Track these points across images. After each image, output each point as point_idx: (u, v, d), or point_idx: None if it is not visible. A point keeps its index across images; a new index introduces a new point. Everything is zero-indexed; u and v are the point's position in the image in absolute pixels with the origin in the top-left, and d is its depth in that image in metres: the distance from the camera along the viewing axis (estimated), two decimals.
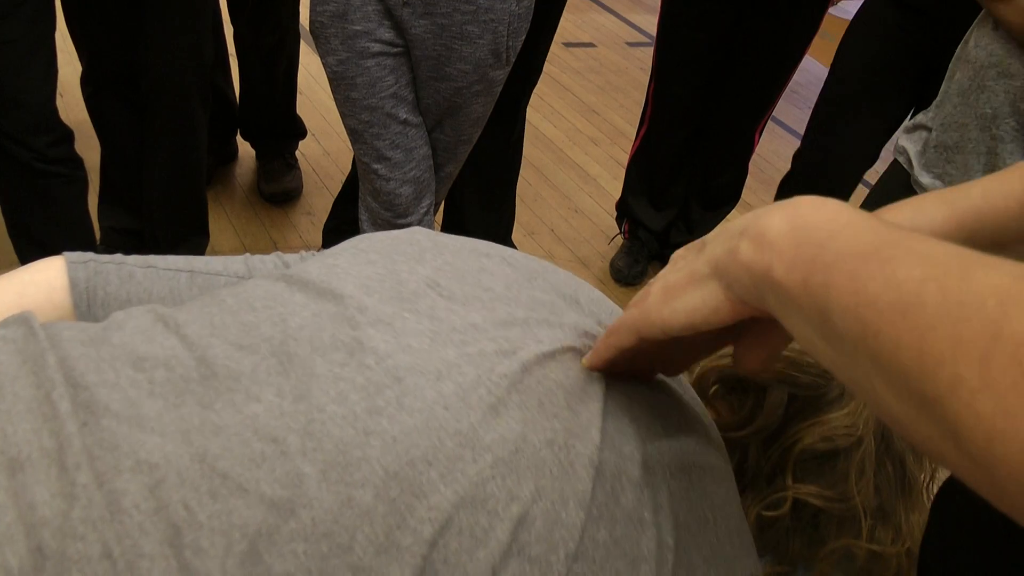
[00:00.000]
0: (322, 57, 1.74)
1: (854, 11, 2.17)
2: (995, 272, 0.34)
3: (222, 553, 0.45)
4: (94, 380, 0.52)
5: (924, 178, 1.53)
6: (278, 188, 2.79)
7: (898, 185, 1.60)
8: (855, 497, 0.71)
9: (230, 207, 2.76)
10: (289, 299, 0.58)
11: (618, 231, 2.84)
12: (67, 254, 0.72)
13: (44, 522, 0.45)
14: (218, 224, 2.63)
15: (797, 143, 2.38)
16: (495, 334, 0.56)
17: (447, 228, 2.50)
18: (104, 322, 0.59)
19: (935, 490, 0.73)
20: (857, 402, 0.72)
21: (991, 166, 1.45)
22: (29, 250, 2.01)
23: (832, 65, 2.18)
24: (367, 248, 0.63)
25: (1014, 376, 0.31)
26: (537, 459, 0.50)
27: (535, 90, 2.40)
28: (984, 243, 0.68)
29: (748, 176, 2.75)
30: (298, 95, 2.86)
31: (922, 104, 2.05)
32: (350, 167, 2.38)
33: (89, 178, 2.05)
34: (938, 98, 1.56)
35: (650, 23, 2.60)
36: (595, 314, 0.64)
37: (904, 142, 1.62)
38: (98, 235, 2.28)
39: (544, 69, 2.39)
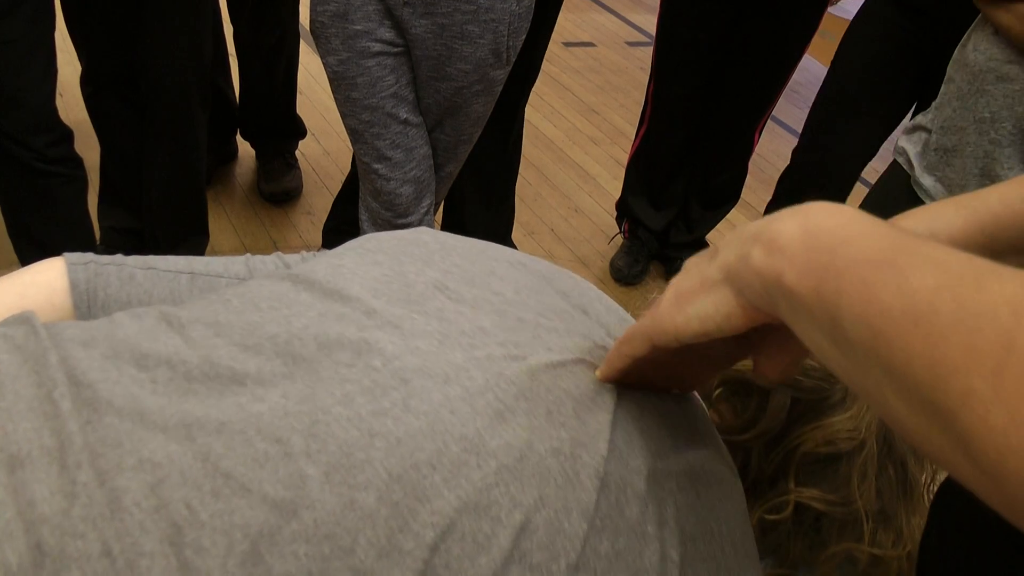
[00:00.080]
0: (322, 57, 1.73)
1: (854, 10, 2.17)
2: (1010, 282, 0.34)
3: (223, 552, 0.45)
4: (97, 378, 0.52)
5: (926, 180, 1.53)
6: (278, 188, 2.79)
7: (898, 185, 1.60)
8: (857, 501, 0.71)
9: (230, 207, 2.75)
10: (295, 299, 0.58)
11: (618, 230, 2.84)
12: (67, 255, 0.72)
13: (43, 519, 0.45)
14: (218, 224, 2.63)
15: (797, 142, 2.38)
16: (504, 339, 0.56)
17: (447, 228, 2.50)
18: (107, 321, 0.59)
19: (935, 491, 0.73)
20: (860, 406, 0.72)
21: (988, 170, 1.45)
22: (29, 250, 2.01)
23: (832, 64, 2.18)
24: (374, 249, 0.63)
25: None
26: (542, 467, 0.50)
27: (535, 89, 2.40)
28: (1002, 248, 0.68)
29: (748, 175, 2.75)
30: (298, 95, 2.86)
31: (922, 104, 2.05)
32: (350, 167, 2.37)
33: (89, 178, 2.04)
34: (937, 100, 1.56)
35: (650, 23, 2.60)
36: (605, 324, 0.64)
37: (904, 143, 1.62)
38: (98, 235, 2.28)
39: (544, 69, 2.39)
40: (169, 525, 0.46)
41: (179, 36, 2.07)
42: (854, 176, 2.26)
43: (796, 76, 2.58)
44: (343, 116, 1.79)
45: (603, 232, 2.95)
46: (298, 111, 2.89)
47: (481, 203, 2.48)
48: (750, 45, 2.38)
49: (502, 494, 0.48)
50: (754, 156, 2.75)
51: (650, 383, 0.57)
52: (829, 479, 0.72)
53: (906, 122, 1.87)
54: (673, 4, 2.42)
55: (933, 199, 1.52)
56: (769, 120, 2.66)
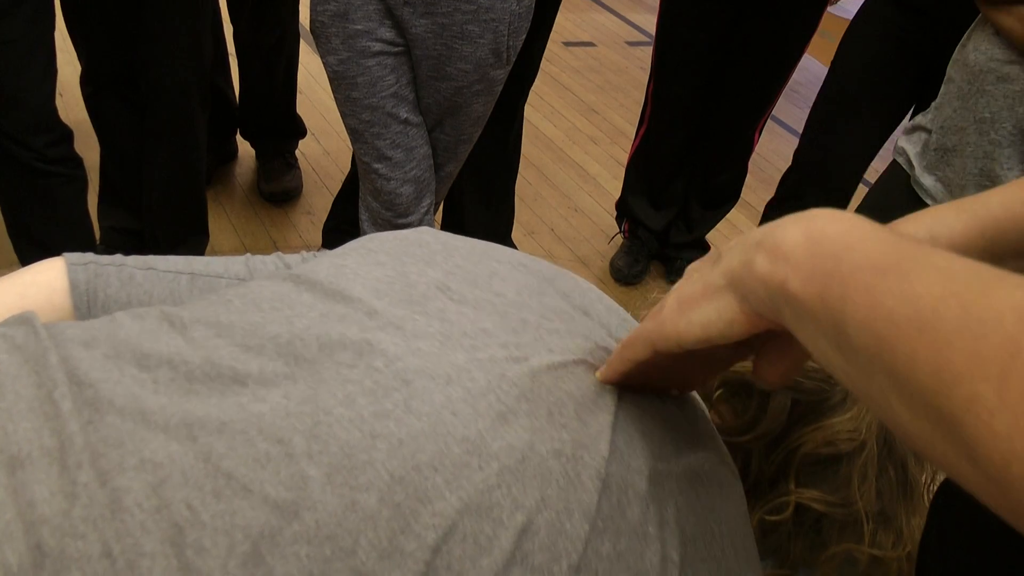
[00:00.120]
0: (323, 57, 1.73)
1: (854, 10, 2.16)
2: (1015, 289, 0.34)
3: (224, 553, 0.45)
4: (98, 378, 0.52)
5: (926, 180, 1.53)
6: (278, 187, 2.79)
7: (897, 185, 1.60)
8: (857, 502, 0.71)
9: (230, 206, 2.75)
10: (296, 300, 0.58)
11: (618, 230, 2.84)
12: (67, 255, 0.72)
13: (44, 520, 0.45)
14: (218, 223, 2.63)
15: (797, 142, 2.38)
16: (506, 340, 0.56)
17: (446, 227, 2.50)
18: (108, 321, 0.59)
19: (935, 492, 0.73)
20: (860, 407, 0.72)
21: (987, 170, 1.45)
22: (29, 250, 2.01)
23: (831, 64, 2.18)
24: (376, 249, 0.63)
25: None
26: (544, 469, 0.50)
27: (535, 89, 2.40)
28: (1004, 252, 0.68)
29: (748, 175, 2.75)
30: (298, 94, 2.86)
31: (922, 104, 2.05)
32: (350, 166, 2.37)
33: (89, 178, 2.04)
34: (937, 100, 1.56)
35: (650, 22, 2.60)
36: (606, 325, 0.64)
37: (904, 143, 1.62)
38: (98, 235, 2.28)
39: (544, 68, 2.39)
40: (170, 526, 0.46)
41: (179, 36, 2.07)
42: (856, 177, 2.26)
43: (796, 76, 2.58)
44: (343, 116, 1.79)
45: (603, 232, 2.95)
46: (298, 111, 2.89)
47: (481, 203, 2.48)
48: (750, 45, 2.38)
49: (504, 495, 0.48)
50: (754, 156, 2.75)
51: (650, 384, 0.57)
52: (829, 480, 0.72)
53: (906, 122, 1.87)
54: (673, 4, 2.42)
55: (933, 198, 1.52)
56: (769, 120, 2.66)
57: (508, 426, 0.50)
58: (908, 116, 2.14)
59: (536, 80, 2.37)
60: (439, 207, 2.10)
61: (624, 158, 2.90)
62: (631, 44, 4.61)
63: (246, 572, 0.45)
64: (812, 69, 4.12)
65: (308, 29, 1.79)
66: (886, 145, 2.19)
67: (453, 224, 2.49)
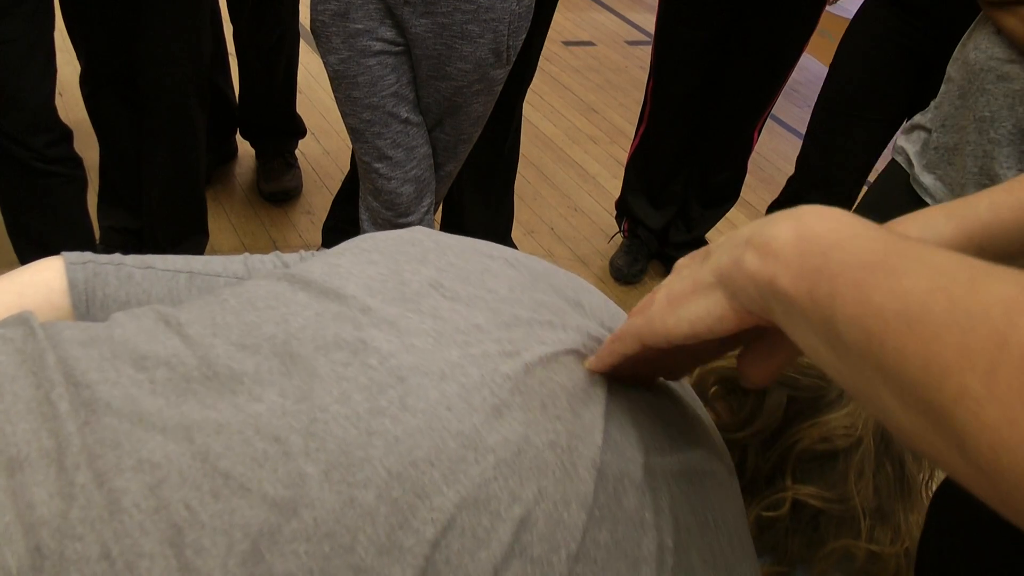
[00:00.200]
0: (323, 56, 1.73)
1: (854, 9, 2.16)
2: (1002, 282, 0.34)
3: (224, 553, 0.45)
4: (95, 379, 0.52)
5: (926, 179, 1.53)
6: (277, 187, 2.79)
7: (896, 185, 1.60)
8: (854, 498, 0.71)
9: (229, 206, 2.76)
10: (292, 299, 0.58)
11: (617, 230, 2.84)
12: (66, 254, 0.72)
13: (42, 522, 0.45)
14: (217, 223, 2.63)
15: (797, 141, 2.38)
16: (498, 335, 0.56)
17: (446, 227, 2.50)
18: (105, 322, 0.59)
19: (934, 490, 0.73)
20: (856, 403, 0.72)
21: (987, 169, 1.45)
22: (28, 250, 2.01)
23: (831, 65, 2.18)
24: (370, 248, 0.63)
25: (1020, 386, 0.31)
26: (539, 460, 0.50)
27: (535, 89, 2.40)
28: (993, 256, 0.68)
29: (747, 174, 2.75)
30: (298, 94, 2.86)
31: (922, 104, 2.05)
32: (349, 166, 2.38)
33: (88, 177, 2.05)
34: (936, 99, 1.56)
35: (650, 22, 2.60)
36: (598, 317, 0.64)
37: (902, 142, 1.62)
38: (97, 235, 2.28)
39: (544, 68, 2.40)
40: (169, 526, 0.46)
41: (177, 36, 2.07)
42: (861, 179, 2.26)
43: (795, 75, 2.58)
44: (344, 115, 1.79)
45: (603, 231, 2.95)
46: (298, 110, 2.89)
47: (480, 202, 2.48)
48: (749, 44, 2.38)
49: (501, 488, 0.48)
50: (754, 155, 2.75)
51: (638, 374, 0.58)
52: (826, 476, 0.72)
53: (905, 122, 1.87)
54: (672, 3, 2.42)
55: (933, 197, 1.52)
56: (768, 119, 2.66)
57: (503, 419, 0.51)
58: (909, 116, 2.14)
59: (536, 79, 2.37)
60: (439, 207, 2.10)
61: (624, 157, 2.90)
62: (631, 43, 4.61)
63: (246, 571, 0.45)
64: (812, 68, 4.12)
65: (308, 29, 1.79)
66: (890, 146, 2.19)
67: (453, 224, 2.49)
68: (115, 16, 2.04)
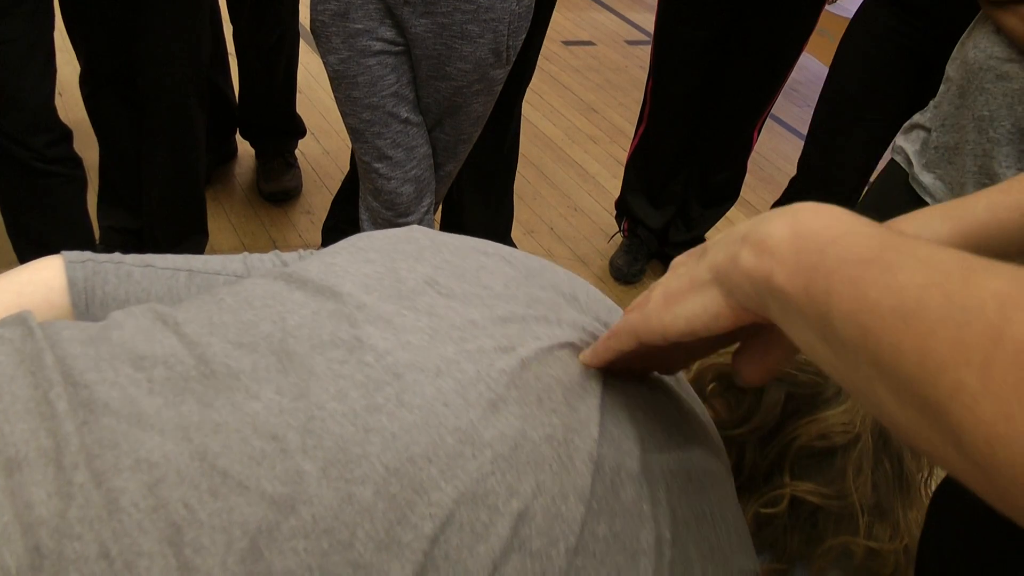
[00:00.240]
0: (323, 56, 1.73)
1: (854, 9, 2.16)
2: (996, 277, 0.34)
3: (223, 551, 0.45)
4: (93, 378, 0.52)
5: (925, 178, 1.53)
6: (277, 187, 2.79)
7: (896, 184, 1.60)
8: (852, 494, 0.71)
9: (229, 206, 2.76)
10: (288, 297, 0.58)
11: (617, 229, 2.84)
12: (65, 253, 0.72)
13: (41, 521, 0.45)
14: (217, 223, 2.63)
15: (797, 141, 2.38)
16: (494, 331, 0.56)
17: (446, 227, 2.50)
18: (103, 321, 0.59)
19: (933, 487, 0.73)
20: (854, 400, 0.72)
21: (986, 168, 1.45)
22: (28, 249, 2.01)
23: (831, 66, 2.18)
24: (366, 247, 0.63)
25: (1015, 380, 0.31)
26: (536, 455, 0.50)
27: (535, 88, 2.41)
28: (990, 256, 0.68)
29: (747, 174, 2.75)
30: (298, 94, 2.86)
31: (923, 103, 2.05)
32: (349, 166, 2.38)
33: (88, 177, 2.04)
34: (935, 99, 1.56)
35: (650, 21, 2.60)
36: (594, 312, 0.65)
37: (901, 142, 1.62)
38: (97, 234, 2.28)
39: (543, 67, 2.40)
40: (168, 525, 0.46)
41: (176, 36, 2.07)
42: (863, 180, 2.25)
43: (795, 74, 2.58)
44: (343, 115, 1.79)
45: (602, 231, 2.95)
46: (298, 110, 2.89)
47: (480, 202, 2.48)
48: (748, 43, 2.38)
49: (498, 483, 0.49)
50: (753, 155, 2.76)
51: (633, 369, 0.58)
52: (824, 473, 0.73)
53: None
54: (671, 2, 2.42)
55: (933, 196, 1.52)
56: (768, 119, 2.66)
57: (499, 414, 0.51)
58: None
59: (535, 79, 2.37)
60: (439, 207, 2.10)
61: (624, 157, 2.90)
62: (630, 43, 4.61)
63: (245, 568, 0.45)
64: (812, 68, 4.12)
65: (308, 29, 1.79)
66: (890, 146, 2.19)
67: (452, 223, 2.49)
68: (115, 16, 2.04)
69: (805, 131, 2.34)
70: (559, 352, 0.57)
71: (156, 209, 2.28)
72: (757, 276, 0.44)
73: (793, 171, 2.41)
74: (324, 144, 3.14)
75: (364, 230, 1.89)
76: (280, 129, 2.85)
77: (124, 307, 0.62)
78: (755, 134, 2.62)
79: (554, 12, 2.31)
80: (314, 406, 0.50)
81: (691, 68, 2.46)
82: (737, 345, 0.54)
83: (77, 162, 1.98)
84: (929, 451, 0.36)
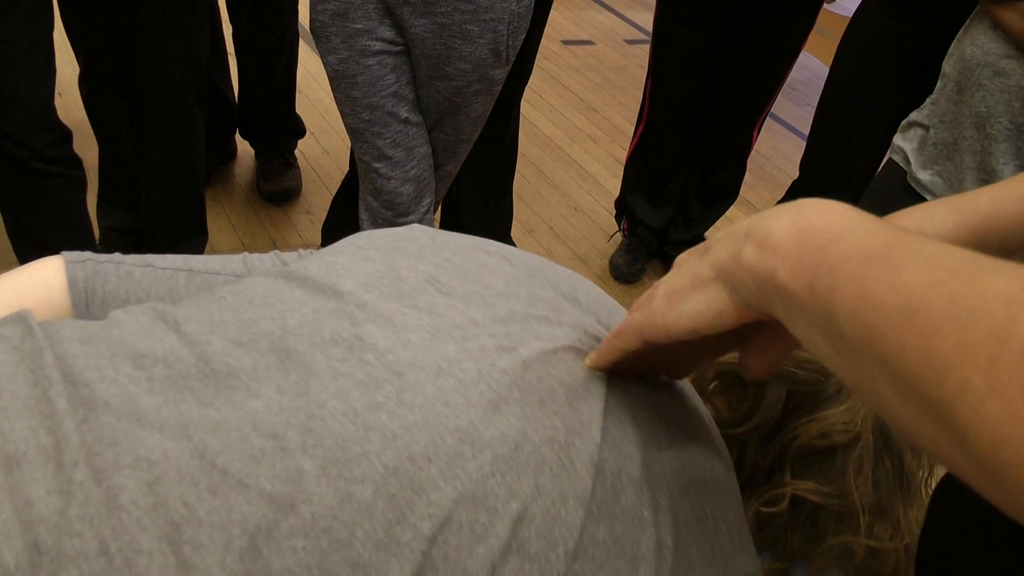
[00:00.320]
0: (323, 56, 1.73)
1: (853, 7, 2.16)
2: (1002, 276, 0.34)
3: (222, 549, 0.45)
4: (93, 377, 0.52)
5: (923, 175, 1.53)
6: (277, 187, 2.79)
7: (895, 183, 1.60)
8: (853, 493, 0.71)
9: (229, 206, 2.76)
10: (288, 296, 0.58)
11: (617, 229, 2.84)
12: (65, 253, 0.72)
13: (40, 519, 0.45)
14: (217, 223, 2.63)
15: (796, 140, 2.38)
16: (495, 330, 0.56)
17: (445, 227, 2.50)
18: (103, 320, 0.59)
19: (933, 486, 0.73)
20: (855, 399, 0.72)
21: (984, 165, 1.45)
22: (28, 250, 2.01)
23: (831, 67, 2.18)
24: (366, 245, 0.63)
25: (1021, 381, 0.31)
26: (537, 456, 0.50)
27: (534, 88, 2.41)
28: (994, 249, 0.68)
29: (747, 173, 2.75)
30: (297, 94, 2.86)
31: (920, 103, 2.05)
32: (349, 166, 2.38)
33: (88, 178, 2.04)
34: (932, 95, 1.56)
35: (649, 20, 2.60)
36: (595, 312, 0.64)
37: (899, 140, 1.61)
38: (97, 234, 2.28)
39: (543, 67, 2.40)
40: (167, 523, 0.46)
41: (175, 35, 2.07)
42: (865, 181, 2.25)
43: (795, 74, 2.58)
44: (343, 115, 1.79)
45: (602, 230, 2.95)
46: (297, 110, 2.89)
47: (480, 202, 2.48)
48: (748, 43, 2.38)
49: (498, 484, 0.48)
50: (753, 154, 2.75)
51: (638, 371, 0.58)
52: (825, 472, 0.72)
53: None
54: (670, 2, 2.42)
55: (932, 193, 1.52)
56: (768, 118, 2.66)
57: (500, 415, 0.51)
58: None
59: (535, 78, 2.37)
60: (438, 206, 2.10)
61: (623, 156, 2.90)
62: (630, 42, 4.61)
63: (244, 567, 0.45)
64: (811, 67, 4.12)
65: (308, 29, 1.79)
66: None
67: (452, 223, 2.49)
68: (114, 16, 2.04)
69: (805, 130, 2.34)
70: (563, 354, 0.56)
71: (156, 209, 2.28)
72: (760, 273, 0.43)
73: (793, 170, 2.41)
74: (324, 144, 3.14)
75: (364, 230, 1.89)
76: (280, 129, 2.85)
77: (124, 307, 0.62)
78: (755, 133, 2.62)
79: (554, 12, 2.31)
80: (314, 404, 0.50)
81: (690, 67, 2.45)
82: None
83: (77, 162, 1.98)
84: (933, 451, 0.35)
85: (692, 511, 0.55)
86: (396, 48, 1.70)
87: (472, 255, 0.63)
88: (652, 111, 2.59)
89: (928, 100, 1.57)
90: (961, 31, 1.51)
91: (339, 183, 2.48)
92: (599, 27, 4.76)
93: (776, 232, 0.43)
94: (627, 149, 2.77)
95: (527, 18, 1.74)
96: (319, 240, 2.50)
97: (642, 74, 2.72)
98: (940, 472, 0.74)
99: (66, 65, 2.13)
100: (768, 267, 0.43)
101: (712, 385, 0.75)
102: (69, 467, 0.47)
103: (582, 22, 4.77)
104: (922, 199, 1.52)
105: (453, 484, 0.48)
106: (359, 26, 1.66)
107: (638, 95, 2.73)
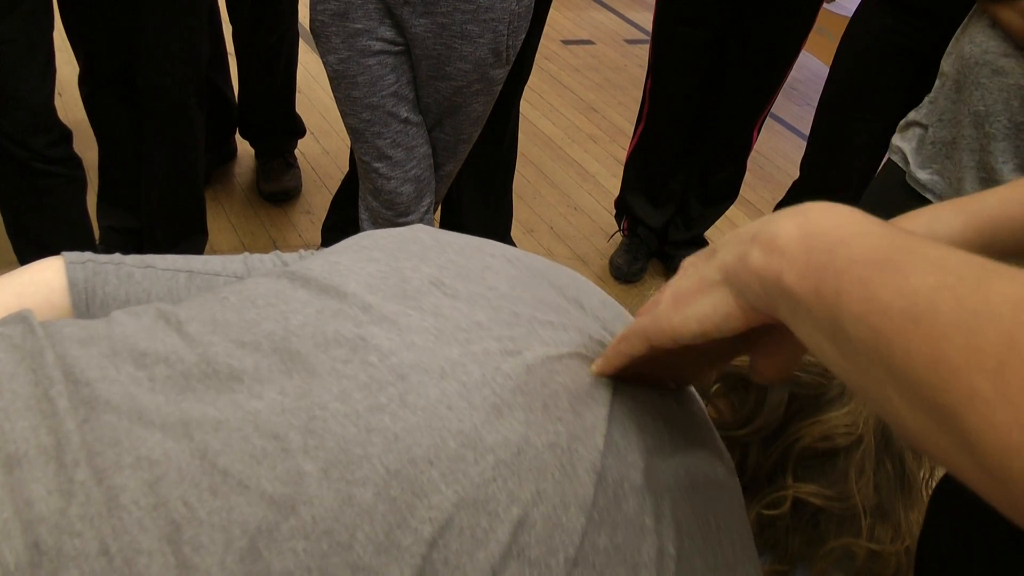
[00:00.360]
0: (323, 56, 1.73)
1: (853, 7, 2.16)
2: (1010, 281, 0.34)
3: (222, 550, 0.45)
4: (95, 376, 0.52)
5: (921, 174, 1.53)
6: (277, 187, 2.79)
7: (894, 184, 1.60)
8: (855, 496, 0.71)
9: (229, 206, 2.76)
10: (291, 296, 0.58)
11: (617, 228, 2.84)
12: (66, 254, 0.72)
13: (41, 518, 0.45)
14: (217, 223, 2.63)
15: (796, 139, 2.38)
16: (500, 333, 0.56)
17: (445, 226, 2.50)
18: (105, 320, 0.59)
19: (934, 487, 0.73)
20: (857, 401, 0.72)
21: (983, 164, 1.44)
22: (28, 250, 2.01)
23: (831, 68, 2.18)
24: (370, 246, 0.63)
25: None
26: (539, 462, 0.50)
27: (535, 88, 2.41)
28: (1002, 251, 0.68)
29: (747, 172, 2.75)
30: (297, 94, 2.86)
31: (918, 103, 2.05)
32: (349, 166, 2.38)
33: (88, 178, 2.04)
34: (931, 94, 1.56)
35: (649, 20, 2.60)
36: (600, 317, 0.64)
37: (898, 140, 1.61)
38: (97, 235, 2.29)
39: (543, 66, 2.40)
40: (167, 523, 0.46)
41: (174, 35, 2.07)
42: (867, 179, 2.25)
43: (795, 73, 2.58)
44: (343, 115, 1.79)
45: (602, 230, 2.95)
46: (297, 110, 2.89)
47: (479, 201, 2.48)
48: (747, 42, 2.38)
49: (500, 489, 0.48)
50: (753, 153, 2.75)
51: (645, 377, 0.58)
52: (827, 474, 0.72)
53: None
54: (669, 2, 2.42)
55: (931, 192, 1.52)
56: (768, 117, 2.66)
57: (503, 419, 0.50)
58: None
59: (535, 78, 2.37)
60: (438, 206, 2.10)
61: (623, 156, 2.90)
62: (630, 42, 4.61)
63: (244, 568, 0.45)
64: (811, 67, 4.12)
65: (308, 29, 1.79)
66: None
67: (452, 223, 2.49)
68: (114, 16, 2.04)
69: (805, 130, 2.34)
70: (568, 359, 0.56)
71: (156, 209, 2.28)
72: (767, 276, 0.43)
73: (793, 170, 2.41)
74: (324, 144, 3.14)
75: (364, 230, 1.89)
76: (280, 129, 2.85)
77: (124, 308, 0.62)
78: (755, 133, 2.62)
79: (554, 12, 2.31)
80: (316, 406, 0.50)
81: (690, 67, 2.45)
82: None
83: (77, 162, 1.98)
84: (941, 457, 0.35)
85: (696, 519, 0.54)
86: (396, 48, 1.70)
87: (476, 257, 0.63)
88: (652, 111, 2.59)
89: (926, 99, 1.57)
90: (959, 30, 1.51)
91: (339, 183, 2.49)
92: (599, 27, 4.76)
93: (782, 235, 0.43)
94: (627, 149, 2.78)
95: (527, 18, 1.74)
96: (319, 240, 2.50)
97: (642, 74, 2.72)
98: (940, 474, 0.74)
99: (66, 65, 2.13)
100: (774, 270, 0.43)
101: (714, 387, 0.75)
102: (70, 467, 0.47)
103: (582, 22, 4.77)
104: (921, 199, 1.52)
105: (454, 488, 0.48)
106: (359, 26, 1.66)
107: (638, 95, 2.73)
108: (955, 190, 1.48)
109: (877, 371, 0.37)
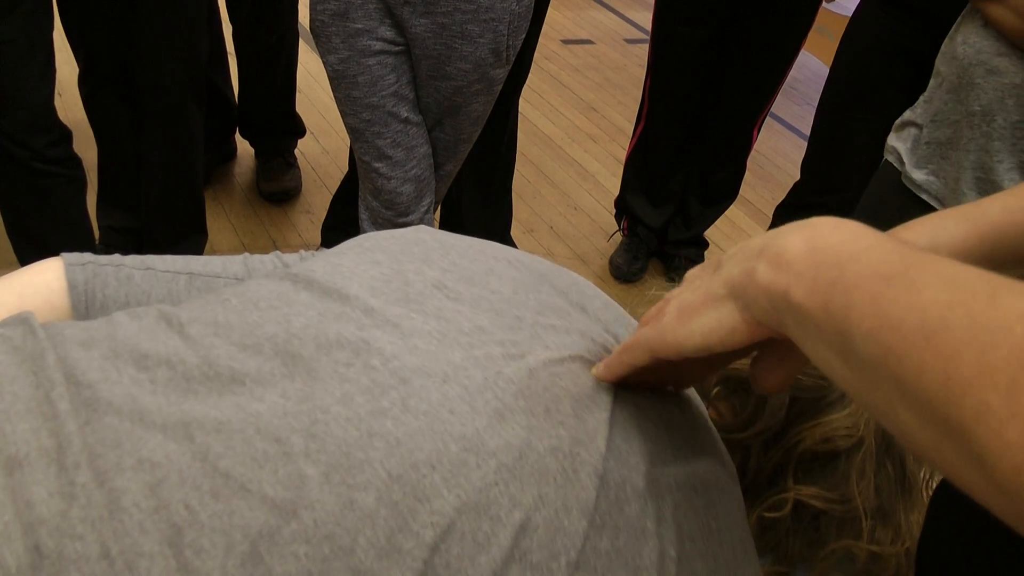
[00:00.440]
0: (323, 56, 1.73)
1: (852, 7, 2.16)
2: (1022, 297, 0.33)
3: (223, 553, 0.45)
4: (96, 378, 0.52)
5: (917, 175, 1.52)
6: (277, 187, 2.79)
7: (890, 185, 1.59)
8: (856, 498, 0.71)
9: (229, 206, 2.75)
10: (294, 299, 0.57)
11: (617, 228, 2.84)
12: (65, 255, 0.72)
13: (42, 521, 0.45)
14: (217, 223, 2.63)
15: (796, 139, 2.38)
16: (502, 337, 0.56)
17: (445, 226, 2.50)
18: (106, 321, 0.59)
19: (934, 488, 0.73)
20: (857, 403, 0.72)
21: (980, 163, 1.44)
22: (28, 250, 2.01)
23: (831, 68, 2.18)
24: (372, 248, 0.63)
25: None
26: (541, 466, 0.50)
27: (534, 87, 2.40)
28: (1006, 259, 0.68)
29: (747, 172, 2.75)
30: (297, 94, 2.86)
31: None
32: (349, 166, 2.37)
33: (88, 177, 2.04)
34: (925, 95, 1.55)
35: (649, 20, 2.60)
36: (602, 320, 0.64)
37: (893, 141, 1.61)
38: (97, 235, 2.28)
39: (543, 66, 2.40)
40: (168, 526, 0.46)
41: (174, 35, 2.07)
42: (866, 182, 2.25)
43: (794, 73, 2.58)
44: (343, 115, 1.79)
45: (602, 229, 2.95)
46: (297, 110, 2.89)
47: (479, 201, 2.48)
48: (746, 42, 2.38)
49: (501, 493, 0.48)
50: (753, 153, 2.75)
51: (646, 382, 0.58)
52: (828, 477, 0.72)
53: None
54: (669, 2, 2.42)
55: (927, 192, 1.51)
56: (768, 117, 2.66)
57: (505, 424, 0.50)
58: None
59: (535, 78, 2.37)
60: (438, 206, 2.10)
61: (623, 156, 2.90)
62: (630, 42, 4.61)
63: (245, 572, 0.45)
64: (811, 66, 4.11)
65: (308, 28, 1.79)
66: None
67: (451, 223, 2.49)
68: (113, 16, 2.04)
69: (805, 130, 2.34)
70: (570, 363, 0.56)
71: (155, 209, 2.28)
72: (774, 291, 0.43)
73: (793, 169, 2.41)
74: (324, 144, 3.14)
75: (364, 230, 1.90)
76: (280, 129, 2.85)
77: (124, 310, 0.62)
78: (755, 132, 2.62)
79: (554, 11, 2.31)
80: (318, 409, 0.50)
81: (689, 67, 2.45)
82: (752, 355, 0.53)
83: (77, 162, 1.98)
84: (951, 473, 0.35)
85: (697, 523, 0.54)
86: (396, 48, 1.70)
87: (480, 260, 0.63)
88: (652, 110, 2.59)
89: (921, 99, 1.56)
90: (952, 29, 1.51)
91: (339, 183, 2.48)
92: (599, 26, 4.75)
93: (790, 250, 0.43)
94: (627, 148, 2.77)
95: (527, 18, 1.74)
96: (319, 240, 2.50)
97: (642, 73, 2.72)
98: (940, 475, 0.74)
99: (66, 65, 2.13)
100: (782, 285, 0.42)
101: (715, 390, 0.75)
102: (71, 469, 0.47)
103: (582, 21, 4.76)
104: (917, 199, 1.52)
105: (456, 492, 0.48)
106: (359, 26, 1.66)
107: (638, 94, 2.73)
108: (951, 190, 1.47)
109: (886, 386, 0.37)
